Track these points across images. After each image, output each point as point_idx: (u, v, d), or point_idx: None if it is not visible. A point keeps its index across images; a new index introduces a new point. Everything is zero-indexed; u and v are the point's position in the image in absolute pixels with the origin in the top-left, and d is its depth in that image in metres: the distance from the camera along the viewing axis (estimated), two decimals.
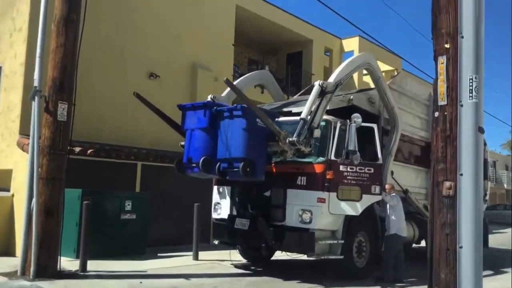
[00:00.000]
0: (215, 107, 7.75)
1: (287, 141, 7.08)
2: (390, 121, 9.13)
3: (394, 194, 8.39)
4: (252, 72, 11.12)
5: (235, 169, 7.20)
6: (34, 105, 6.64)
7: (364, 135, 8.07)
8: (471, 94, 3.19)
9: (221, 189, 8.85)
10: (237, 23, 15.91)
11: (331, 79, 7.95)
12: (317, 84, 7.69)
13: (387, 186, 8.33)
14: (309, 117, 7.35)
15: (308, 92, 10.03)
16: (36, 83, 6.59)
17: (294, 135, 7.15)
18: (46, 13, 6.56)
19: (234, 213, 8.46)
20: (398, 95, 9.53)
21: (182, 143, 8.18)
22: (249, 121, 7.27)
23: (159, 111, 8.41)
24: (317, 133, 7.39)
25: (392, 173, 8.96)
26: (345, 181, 7.78)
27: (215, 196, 9.02)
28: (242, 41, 16.80)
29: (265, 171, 7.56)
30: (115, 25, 12.32)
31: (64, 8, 6.67)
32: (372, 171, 8.00)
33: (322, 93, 7.58)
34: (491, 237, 14.44)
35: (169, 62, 13.57)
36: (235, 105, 7.76)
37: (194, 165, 7.50)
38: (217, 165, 7.44)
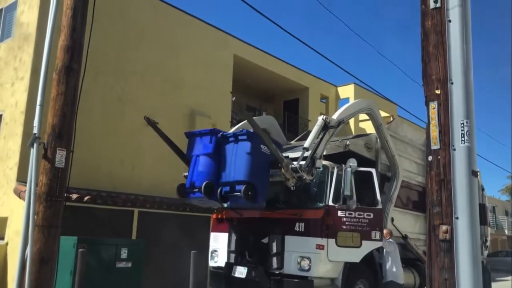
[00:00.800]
0: (221, 133, 7.80)
1: (290, 167, 7.09)
2: (391, 168, 9.20)
3: (391, 240, 8.32)
4: (257, 117, 11.23)
5: (236, 193, 7.12)
6: (33, 152, 6.66)
7: (363, 180, 8.09)
8: (463, 138, 3.25)
9: (218, 236, 8.75)
10: (235, 71, 16.29)
11: (334, 116, 8.11)
12: (320, 118, 7.84)
13: (385, 231, 8.27)
14: (311, 148, 7.40)
15: (305, 138, 10.14)
16: (35, 130, 6.63)
17: (296, 162, 7.18)
18: (48, 62, 6.72)
19: (232, 260, 8.32)
20: (394, 141, 9.63)
21: (186, 173, 8.13)
22: (253, 145, 7.31)
23: (166, 138, 8.44)
24: (319, 163, 7.43)
25: (392, 219, 8.91)
26: (344, 227, 7.71)
27: (212, 244, 8.90)
28: (239, 88, 17.13)
29: (265, 199, 7.50)
30: (115, 73, 12.59)
31: (66, 57, 6.82)
32: (372, 216, 7.94)
33: (325, 127, 7.69)
34: (494, 285, 14.13)
35: (167, 109, 13.76)
36: (240, 130, 7.82)
37: (196, 189, 7.45)
38: (219, 189, 7.37)
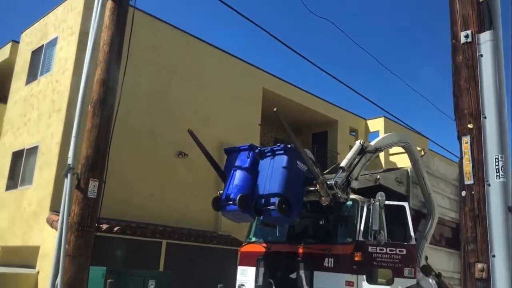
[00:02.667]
0: (258, 148, 7.87)
1: (325, 184, 7.03)
2: (426, 206, 9.02)
3: (430, 278, 8.02)
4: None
5: (270, 206, 7.08)
6: (67, 182, 6.82)
7: (395, 215, 7.90)
8: (497, 174, 3.17)
9: (245, 270, 8.65)
10: (264, 104, 16.45)
11: (372, 143, 8.08)
12: (358, 142, 7.83)
13: (425, 269, 8.03)
14: (347, 168, 7.36)
15: (333, 171, 10.05)
16: (70, 161, 6.82)
17: (332, 179, 7.13)
18: (84, 95, 6.96)
19: None
20: (426, 176, 9.43)
21: (221, 191, 8.13)
22: (290, 160, 7.34)
23: (207, 153, 8.49)
24: (354, 183, 7.35)
25: (426, 258, 8.64)
26: (375, 263, 7.49)
27: (240, 277, 8.79)
28: (268, 121, 17.25)
29: (298, 215, 7.41)
30: (147, 107, 12.91)
31: (101, 91, 7.05)
32: (404, 252, 7.67)
33: (362, 151, 7.67)
34: None
35: None
36: (278, 144, 7.79)
37: (231, 202, 7.43)
38: (254, 202, 7.34)
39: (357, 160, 7.61)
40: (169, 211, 12.71)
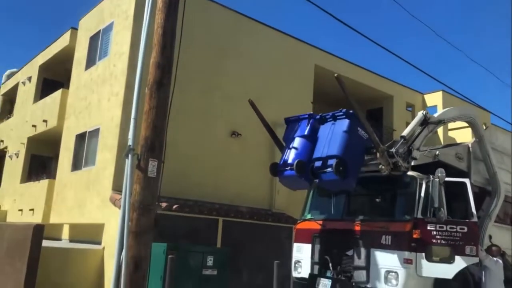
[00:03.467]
0: (319, 115, 7.90)
1: (385, 153, 6.95)
2: (491, 184, 8.70)
3: (497, 259, 7.75)
4: None
5: (327, 169, 7.07)
6: (128, 162, 7.09)
7: (456, 192, 7.64)
8: None
9: (301, 247, 8.72)
10: (316, 81, 16.24)
11: (435, 115, 7.97)
12: (420, 112, 7.74)
13: (494, 249, 7.78)
14: (409, 137, 7.26)
15: (391, 145, 9.83)
16: (130, 142, 7.06)
17: (394, 148, 7.05)
18: (141, 78, 7.15)
19: (315, 272, 8.23)
20: (491, 153, 9.03)
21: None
22: (351, 125, 7.34)
23: (266, 123, 8.72)
24: (416, 153, 7.25)
25: (490, 237, 8.34)
26: (434, 240, 7.30)
27: (295, 254, 8.88)
28: (320, 98, 17.03)
29: (356, 181, 7.40)
30: (201, 88, 13.10)
31: (157, 73, 7.21)
32: (466, 230, 7.39)
33: (424, 122, 7.57)
34: None
35: (250, 122, 13.97)
36: (340, 109, 7.77)
37: (288, 167, 7.51)
38: (311, 165, 7.37)
39: (419, 130, 7.49)
40: (224, 189, 12.95)
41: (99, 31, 14.11)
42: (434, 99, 20.53)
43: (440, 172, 7.37)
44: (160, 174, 7.48)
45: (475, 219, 7.58)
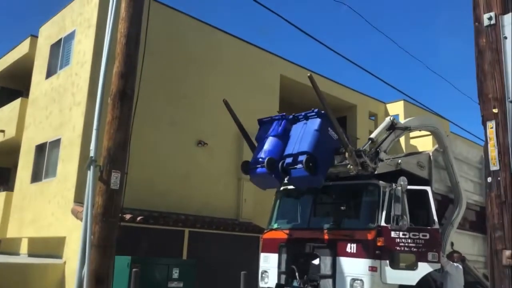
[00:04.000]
0: (292, 115, 8.04)
1: (354, 153, 7.12)
2: (454, 193, 8.99)
3: (457, 264, 7.96)
4: None
5: (298, 165, 7.19)
6: (89, 174, 6.93)
7: (418, 199, 7.82)
8: None
9: (268, 257, 8.70)
10: (281, 91, 16.37)
11: (402, 122, 8.21)
12: (388, 118, 8.02)
13: (456, 255, 8.01)
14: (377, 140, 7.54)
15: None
16: (92, 154, 6.91)
17: (362, 147, 7.28)
18: (103, 88, 7.02)
19: (282, 282, 8.23)
20: (454, 163, 9.31)
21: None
22: (322, 124, 7.51)
23: (239, 123, 8.90)
24: (383, 155, 7.48)
25: (452, 244, 8.58)
26: (398, 248, 7.44)
27: (262, 264, 8.86)
28: (286, 108, 17.12)
29: (324, 178, 7.54)
30: (166, 97, 12.98)
31: (120, 83, 7.10)
32: (428, 237, 7.57)
33: (392, 127, 7.85)
34: None
35: (216, 131, 13.99)
36: (312, 109, 7.91)
37: (259, 165, 7.60)
38: (282, 162, 7.45)
39: (386, 135, 7.76)
40: (191, 199, 12.83)
41: (61, 39, 13.79)
42: (396, 108, 21.06)
43: (402, 180, 7.52)
44: (123, 185, 7.34)
45: (436, 226, 7.78)
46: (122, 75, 7.06)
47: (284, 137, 7.78)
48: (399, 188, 7.45)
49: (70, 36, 13.31)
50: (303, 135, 7.54)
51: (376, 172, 7.71)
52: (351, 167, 7.26)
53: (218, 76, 14.43)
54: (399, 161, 8.28)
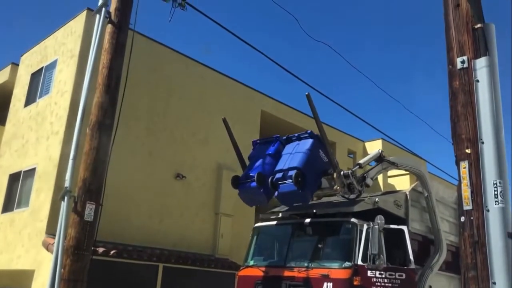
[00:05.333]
0: (285, 136, 8.24)
1: (341, 173, 7.29)
2: (435, 240, 9.10)
3: None
4: None
5: (287, 180, 7.30)
6: (63, 205, 6.77)
7: (394, 238, 7.83)
8: (496, 199, 3.16)
9: None
10: (262, 126, 16.49)
11: (390, 157, 8.48)
12: (377, 150, 8.31)
13: None
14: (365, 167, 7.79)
15: (332, 194, 10.02)
16: (67, 184, 6.77)
17: (350, 169, 7.47)
18: (82, 118, 6.96)
19: None
20: (422, 198, 9.41)
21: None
22: (314, 144, 7.71)
23: (235, 143, 8.92)
24: (369, 181, 7.66)
25: (430, 287, 8.58)
26: (374, 287, 7.40)
27: None
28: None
29: (311, 196, 7.74)
30: (145, 128, 12.93)
31: (100, 114, 7.06)
32: (404, 276, 7.56)
33: (380, 159, 8.10)
34: None
35: (195, 164, 13.92)
36: (306, 130, 8.17)
37: (249, 180, 7.67)
38: (271, 177, 7.56)
39: (374, 164, 8.04)
40: (167, 233, 12.60)
41: (42, 67, 13.75)
42: (374, 146, 21.33)
43: (379, 219, 7.54)
44: (97, 217, 7.18)
45: (413, 266, 7.77)
46: (102, 106, 7.03)
47: (276, 156, 7.99)
48: (376, 226, 7.46)
49: (52, 65, 13.28)
50: (295, 153, 7.76)
51: (354, 210, 7.74)
52: (338, 188, 7.44)
53: (199, 109, 14.49)
54: (377, 199, 8.33)
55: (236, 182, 8.07)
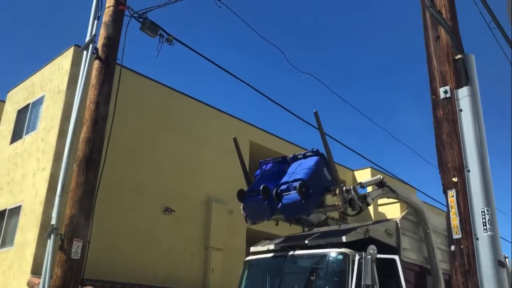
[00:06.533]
0: (292, 155, 8.49)
1: (344, 189, 7.46)
2: (433, 278, 9.04)
3: None
4: None
5: (291, 191, 7.48)
6: (49, 243, 6.64)
7: (386, 268, 7.75)
8: (485, 227, 3.17)
9: None
10: (251, 157, 16.48)
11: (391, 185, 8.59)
12: (379, 175, 8.35)
13: None
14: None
15: (323, 224, 9.96)
16: (53, 221, 6.66)
17: (351, 186, 7.55)
18: (70, 154, 6.91)
19: None
20: (415, 227, 9.38)
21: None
22: (319, 161, 7.93)
23: (242, 161, 9.15)
24: (370, 201, 7.74)
25: None
26: None
27: None
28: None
29: (313, 210, 7.84)
30: (133, 162, 12.84)
31: (87, 149, 7.03)
32: None
33: (380, 184, 8.12)
34: None
35: (184, 197, 13.80)
36: (312, 148, 8.31)
37: (255, 193, 7.85)
38: (276, 189, 7.70)
39: (375, 187, 8.13)
40: (155, 270, 12.34)
41: (29, 104, 13.70)
42: (363, 175, 21.41)
43: (372, 249, 7.46)
44: (85, 255, 7.03)
45: None
46: (89, 141, 7.01)
47: (281, 173, 8.23)
48: (369, 257, 7.38)
49: (39, 102, 13.25)
50: (300, 168, 8.03)
51: (344, 240, 7.68)
52: (339, 203, 7.55)
53: (187, 141, 14.48)
54: (368, 228, 8.28)
55: (242, 195, 8.25)
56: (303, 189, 7.48)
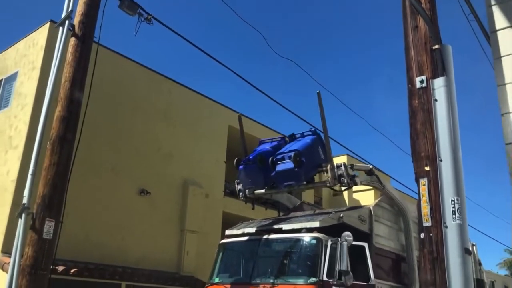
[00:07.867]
0: (291, 134, 8.99)
1: (335, 165, 7.95)
2: (409, 272, 9.36)
3: None
4: None
5: (286, 160, 7.95)
6: (21, 222, 6.53)
7: (355, 254, 7.89)
8: (454, 216, 3.24)
9: None
10: (229, 141, 16.44)
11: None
12: (369, 164, 9.06)
13: None
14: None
15: (298, 209, 10.06)
16: (25, 200, 6.54)
17: (342, 163, 8.06)
18: (43, 132, 6.76)
19: None
20: (388, 213, 9.56)
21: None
22: (315, 140, 8.49)
23: (244, 141, 9.49)
24: (358, 181, 8.23)
25: None
26: None
27: None
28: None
29: (305, 180, 8.28)
30: (109, 143, 12.67)
31: (61, 128, 6.88)
32: None
33: (370, 172, 8.70)
34: None
35: (160, 179, 13.72)
36: (309, 128, 8.90)
37: (251, 162, 8.40)
38: (272, 157, 8.18)
39: (364, 175, 8.67)
40: (130, 251, 12.30)
41: (1, 80, 13.32)
42: (340, 162, 21.64)
43: (347, 235, 7.58)
44: (57, 235, 6.94)
45: (373, 281, 7.84)
46: (64, 120, 6.86)
47: (278, 149, 8.67)
48: (345, 243, 7.49)
49: (12, 78, 12.89)
50: (296, 143, 8.55)
51: (318, 226, 7.76)
52: (329, 179, 8.01)
53: (164, 124, 14.34)
54: (342, 214, 8.40)
55: (239, 163, 8.76)
56: (298, 158, 7.96)
